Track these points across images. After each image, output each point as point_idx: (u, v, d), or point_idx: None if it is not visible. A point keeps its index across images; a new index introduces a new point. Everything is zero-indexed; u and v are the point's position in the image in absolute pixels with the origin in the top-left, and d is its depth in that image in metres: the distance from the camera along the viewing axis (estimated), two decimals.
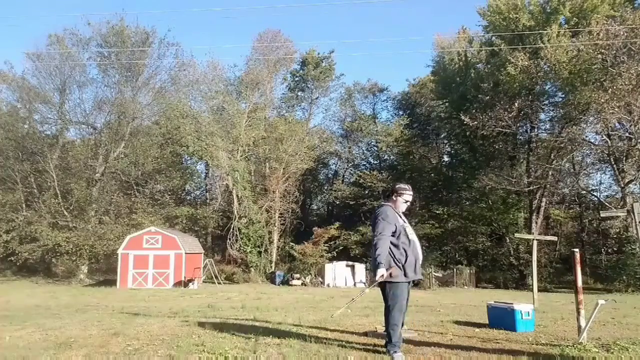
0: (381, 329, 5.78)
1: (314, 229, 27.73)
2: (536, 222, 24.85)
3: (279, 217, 29.29)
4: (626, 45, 19.73)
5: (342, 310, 5.07)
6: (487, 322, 6.47)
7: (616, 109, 19.32)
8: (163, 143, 29.22)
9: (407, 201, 4.28)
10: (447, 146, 37.12)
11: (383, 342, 5.03)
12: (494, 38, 26.92)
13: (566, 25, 23.58)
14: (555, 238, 15.13)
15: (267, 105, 32.12)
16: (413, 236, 4.24)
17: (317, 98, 36.76)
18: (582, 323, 5.04)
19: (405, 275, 4.12)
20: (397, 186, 4.44)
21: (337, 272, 23.98)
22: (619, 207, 20.21)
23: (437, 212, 30.23)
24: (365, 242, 28.96)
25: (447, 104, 31.36)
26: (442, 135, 35.76)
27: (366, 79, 52.95)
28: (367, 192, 32.52)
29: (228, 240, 26.34)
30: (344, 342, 5.05)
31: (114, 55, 28.51)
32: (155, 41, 29.75)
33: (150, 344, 4.98)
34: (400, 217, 4.28)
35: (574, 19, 23.52)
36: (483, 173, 26.01)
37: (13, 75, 28.77)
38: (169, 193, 30.78)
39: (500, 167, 27.35)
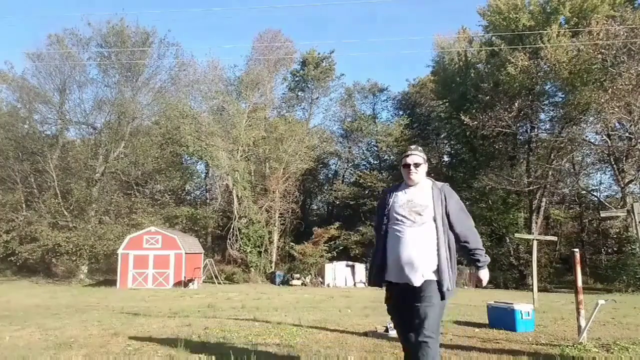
0: (381, 328, 5.78)
1: (314, 229, 27.74)
2: (536, 222, 24.84)
3: (279, 217, 29.30)
4: (626, 45, 19.73)
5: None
6: (487, 322, 6.47)
7: (616, 109, 19.32)
8: (163, 143, 29.22)
9: (406, 165, 3.09)
10: (447, 146, 37.14)
11: (381, 341, 5.04)
12: (494, 38, 26.94)
13: (566, 25, 23.59)
14: (555, 238, 15.10)
15: (267, 105, 32.13)
16: (398, 223, 2.97)
17: (317, 98, 36.81)
18: (582, 323, 5.04)
19: (375, 277, 3.08)
20: None
21: (337, 272, 23.98)
22: (619, 207, 20.19)
23: None
24: (366, 242, 28.97)
25: (447, 104, 31.37)
26: (442, 135, 35.78)
27: (366, 79, 53.00)
28: (367, 192, 32.53)
29: (228, 240, 26.34)
30: (344, 342, 5.05)
31: (114, 55, 28.52)
32: (155, 41, 29.85)
33: (150, 344, 4.98)
34: (397, 194, 3.11)
35: (574, 19, 23.53)
36: (483, 173, 26.01)
37: (13, 75, 28.81)
38: (169, 193, 30.78)
39: (500, 167, 27.35)
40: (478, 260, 3.04)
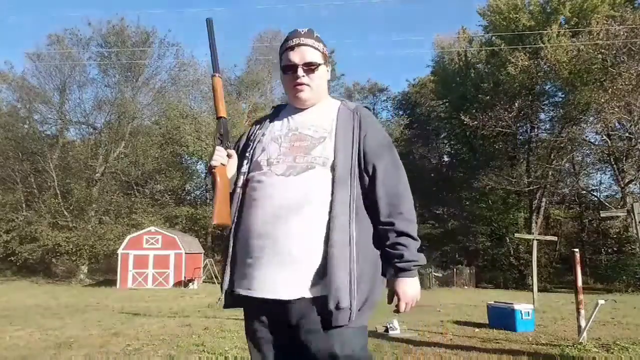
0: (381, 328, 5.78)
1: None
2: (536, 222, 24.84)
3: None
4: (626, 45, 19.72)
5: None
6: (487, 322, 6.48)
7: (616, 109, 19.31)
8: (163, 143, 29.24)
9: (290, 67, 1.50)
10: (447, 146, 37.14)
11: (381, 341, 5.04)
12: (494, 38, 26.93)
13: (566, 25, 23.59)
14: (555, 238, 15.11)
15: (267, 106, 32.14)
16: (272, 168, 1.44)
17: None
18: (582, 323, 5.04)
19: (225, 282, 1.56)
20: None
21: None
22: (619, 207, 20.19)
23: (437, 212, 30.20)
24: None
25: (447, 104, 31.38)
26: (442, 135, 35.78)
27: (366, 79, 52.97)
28: None
29: None
30: None
31: (114, 55, 28.54)
32: (156, 41, 29.87)
33: (150, 344, 4.98)
34: (275, 123, 1.59)
35: (574, 19, 23.54)
36: (483, 173, 26.00)
37: (13, 75, 28.81)
38: (169, 193, 30.79)
39: (500, 167, 27.34)
40: (400, 257, 1.38)
